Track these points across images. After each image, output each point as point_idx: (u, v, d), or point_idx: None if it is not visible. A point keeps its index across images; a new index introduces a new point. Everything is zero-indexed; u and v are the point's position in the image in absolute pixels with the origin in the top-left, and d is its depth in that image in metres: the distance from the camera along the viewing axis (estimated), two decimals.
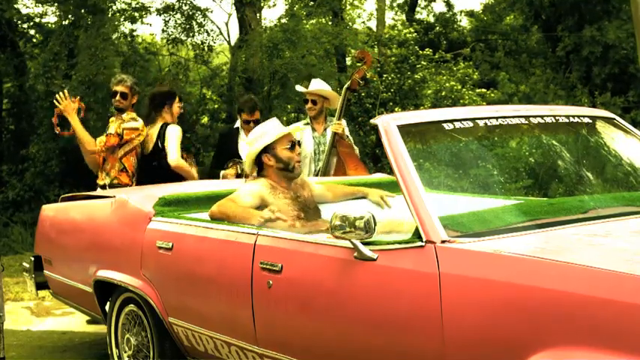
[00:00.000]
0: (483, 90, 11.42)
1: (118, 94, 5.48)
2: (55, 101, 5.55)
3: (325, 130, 5.63)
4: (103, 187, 5.49)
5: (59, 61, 9.63)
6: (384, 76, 11.62)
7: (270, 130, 3.71)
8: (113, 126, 5.45)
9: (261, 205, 3.53)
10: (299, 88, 5.90)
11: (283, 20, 12.18)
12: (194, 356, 3.66)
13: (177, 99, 5.61)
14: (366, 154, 11.28)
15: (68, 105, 5.47)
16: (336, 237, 2.66)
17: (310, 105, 5.67)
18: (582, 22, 12.99)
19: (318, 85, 5.73)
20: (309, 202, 3.77)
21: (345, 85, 5.78)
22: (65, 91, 5.61)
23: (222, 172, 5.59)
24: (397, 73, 11.46)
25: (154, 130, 5.46)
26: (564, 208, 2.85)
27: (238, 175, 5.47)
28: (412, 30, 12.37)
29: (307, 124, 5.69)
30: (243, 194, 3.55)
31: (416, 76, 11.24)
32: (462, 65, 11.89)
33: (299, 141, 5.54)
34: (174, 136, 5.40)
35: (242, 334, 3.18)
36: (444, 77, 11.14)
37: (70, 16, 10.11)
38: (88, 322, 5.54)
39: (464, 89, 10.96)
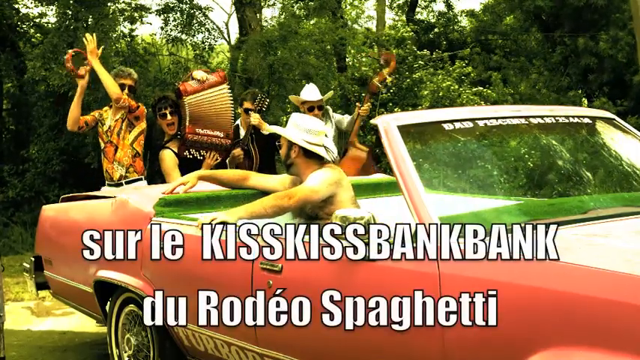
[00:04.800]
0: (480, 88, 11.41)
1: (127, 88, 5.47)
2: (84, 39, 5.50)
3: None
4: (119, 181, 5.46)
5: (57, 53, 9.62)
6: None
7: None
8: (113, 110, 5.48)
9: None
10: (299, 97, 5.92)
11: (275, 20, 12.21)
12: (194, 356, 3.66)
13: None
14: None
15: (95, 48, 5.41)
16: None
17: (316, 112, 5.73)
18: (580, 28, 13.00)
19: (317, 91, 5.81)
20: None
21: (368, 89, 5.90)
22: (94, 34, 5.57)
23: (233, 152, 5.59)
24: (396, 73, 11.45)
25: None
26: (564, 208, 2.85)
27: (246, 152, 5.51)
28: (409, 29, 12.36)
29: None
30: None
31: (414, 76, 11.23)
32: (458, 64, 11.88)
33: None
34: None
35: (242, 334, 3.19)
36: (441, 77, 11.13)
37: (68, 11, 10.11)
38: (98, 323, 5.50)
39: (461, 89, 10.94)
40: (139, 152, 5.51)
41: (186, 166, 5.27)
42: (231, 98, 5.50)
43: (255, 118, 5.44)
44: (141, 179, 5.55)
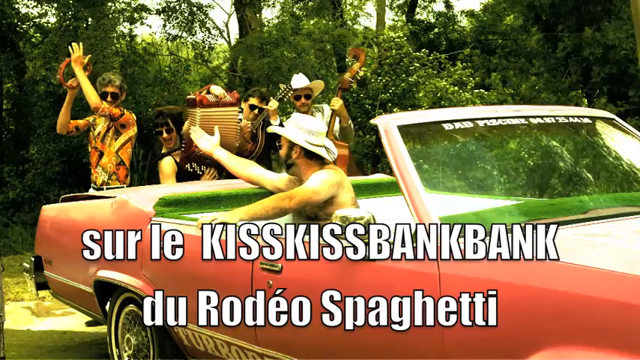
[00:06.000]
0: (482, 91, 11.41)
1: (109, 95, 5.48)
2: (69, 48, 5.54)
3: None
4: (101, 186, 5.48)
5: (59, 52, 9.63)
6: (381, 76, 11.62)
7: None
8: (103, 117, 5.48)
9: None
10: (285, 85, 5.87)
11: (276, 20, 12.22)
12: (194, 356, 3.66)
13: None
14: (366, 154, 11.28)
15: (80, 57, 5.46)
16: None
17: (303, 100, 5.68)
18: (582, 23, 12.96)
19: (305, 79, 5.75)
20: None
21: (338, 86, 5.83)
22: (81, 44, 5.61)
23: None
24: (392, 75, 11.46)
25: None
26: (564, 208, 2.85)
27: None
28: (402, 35, 12.35)
29: None
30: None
31: (410, 79, 11.23)
32: (460, 66, 11.88)
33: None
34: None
35: (242, 334, 3.18)
36: (443, 80, 11.12)
37: (69, 11, 10.13)
38: (87, 323, 5.54)
39: (461, 91, 10.94)
40: (124, 161, 5.52)
41: (185, 178, 5.29)
42: (239, 122, 5.53)
43: (273, 104, 5.45)
44: (122, 187, 5.56)
